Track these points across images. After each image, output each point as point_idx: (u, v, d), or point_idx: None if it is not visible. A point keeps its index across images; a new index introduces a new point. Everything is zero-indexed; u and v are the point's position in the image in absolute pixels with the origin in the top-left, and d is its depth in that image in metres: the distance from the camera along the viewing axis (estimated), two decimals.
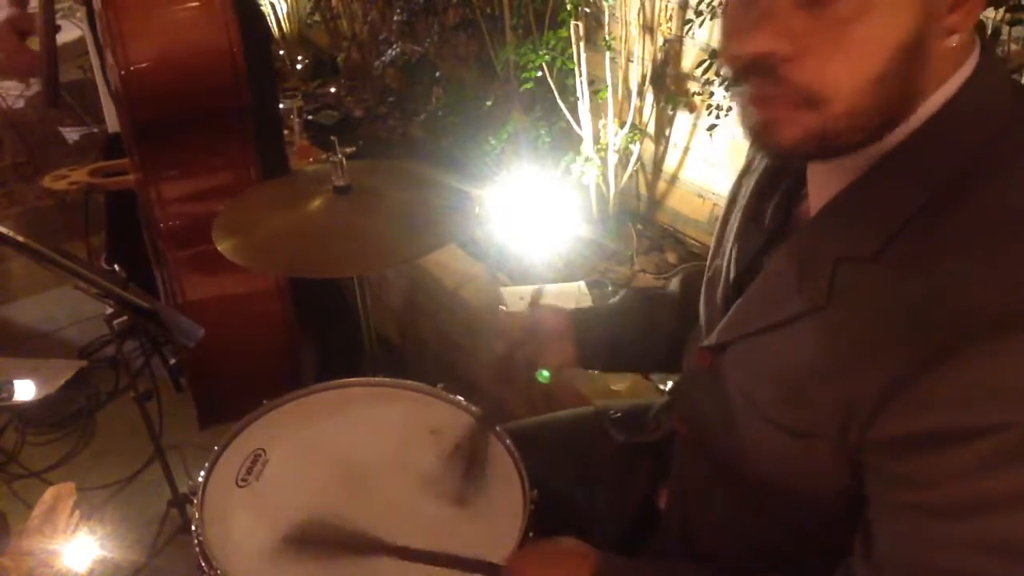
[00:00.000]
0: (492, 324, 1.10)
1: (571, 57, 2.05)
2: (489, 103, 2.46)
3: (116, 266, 1.38)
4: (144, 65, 1.61)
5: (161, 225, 1.78)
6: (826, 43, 0.60)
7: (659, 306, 1.12)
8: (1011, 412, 0.59)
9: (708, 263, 0.93)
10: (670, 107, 2.13)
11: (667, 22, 2.01)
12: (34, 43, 2.01)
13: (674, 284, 1.13)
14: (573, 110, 2.15)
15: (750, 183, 0.87)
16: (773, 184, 0.84)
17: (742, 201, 0.88)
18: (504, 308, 1.10)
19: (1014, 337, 0.58)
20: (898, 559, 0.68)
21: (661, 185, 2.27)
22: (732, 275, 0.84)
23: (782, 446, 0.74)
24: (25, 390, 1.19)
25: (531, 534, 1.00)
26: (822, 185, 0.73)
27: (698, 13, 1.79)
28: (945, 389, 0.60)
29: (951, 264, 0.62)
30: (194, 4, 1.66)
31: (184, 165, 1.77)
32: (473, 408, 1.18)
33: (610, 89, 2.09)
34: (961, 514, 0.63)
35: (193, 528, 1.02)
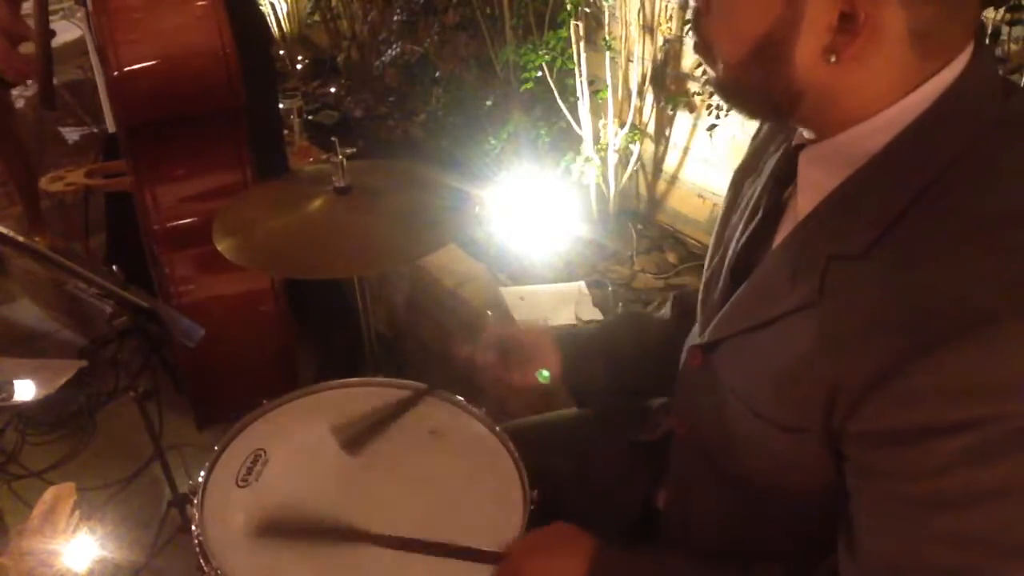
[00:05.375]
0: (480, 334, 1.11)
1: (571, 57, 2.05)
2: (489, 103, 2.46)
3: (116, 266, 1.38)
4: (136, 67, 1.60)
5: (155, 227, 1.78)
6: (721, 10, 0.68)
7: (649, 329, 1.12)
8: (995, 405, 0.60)
9: (706, 264, 0.93)
10: (670, 107, 2.13)
11: (667, 22, 2.01)
12: (29, 47, 1.98)
13: (666, 309, 1.13)
14: (573, 110, 2.15)
15: (756, 187, 0.86)
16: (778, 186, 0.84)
17: (745, 203, 0.87)
18: (492, 321, 1.10)
19: (999, 331, 0.59)
20: (882, 552, 0.68)
21: (661, 185, 2.27)
22: (732, 274, 0.85)
23: (773, 441, 0.75)
24: (25, 390, 1.19)
25: None
26: (814, 183, 0.74)
27: None
28: (929, 383, 0.61)
29: (937, 260, 0.63)
30: (186, 6, 1.65)
31: (178, 167, 1.77)
32: (474, 409, 1.18)
33: (610, 89, 2.09)
34: (945, 507, 0.63)
35: (193, 528, 1.02)
